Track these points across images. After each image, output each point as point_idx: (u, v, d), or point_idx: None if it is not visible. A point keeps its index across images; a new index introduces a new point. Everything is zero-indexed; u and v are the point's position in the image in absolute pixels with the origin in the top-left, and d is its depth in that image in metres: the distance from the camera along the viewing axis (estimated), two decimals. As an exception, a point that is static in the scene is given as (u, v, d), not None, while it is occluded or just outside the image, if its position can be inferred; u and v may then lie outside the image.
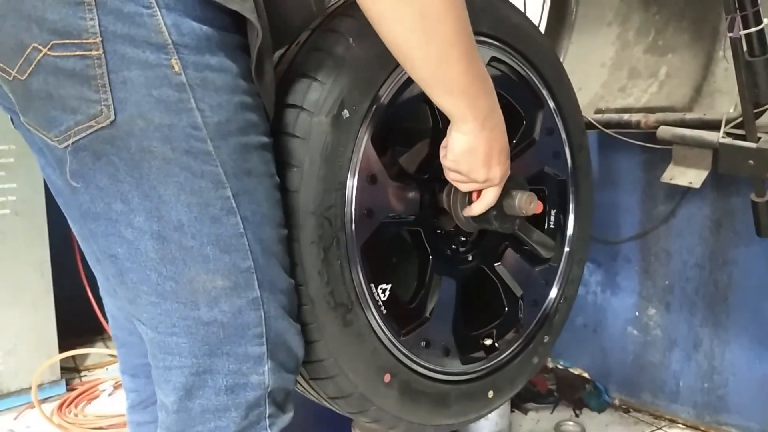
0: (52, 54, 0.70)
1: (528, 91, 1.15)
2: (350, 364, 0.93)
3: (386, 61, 0.89)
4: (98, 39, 0.69)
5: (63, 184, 0.78)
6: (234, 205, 0.77)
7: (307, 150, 0.87)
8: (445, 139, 0.92)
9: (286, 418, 0.86)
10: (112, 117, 0.71)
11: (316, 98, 0.88)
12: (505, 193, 0.99)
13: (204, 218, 0.76)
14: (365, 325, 0.94)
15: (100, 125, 0.71)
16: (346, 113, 0.89)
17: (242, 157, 0.77)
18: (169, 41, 0.71)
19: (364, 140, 0.92)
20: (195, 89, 0.73)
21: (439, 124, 1.04)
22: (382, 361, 0.97)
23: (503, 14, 1.11)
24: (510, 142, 1.02)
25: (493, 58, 1.09)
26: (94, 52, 0.70)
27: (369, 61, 0.91)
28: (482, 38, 1.06)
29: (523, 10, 1.32)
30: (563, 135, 1.20)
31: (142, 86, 0.71)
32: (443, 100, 0.85)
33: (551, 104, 1.18)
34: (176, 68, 0.72)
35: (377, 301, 0.96)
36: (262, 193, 0.80)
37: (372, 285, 0.95)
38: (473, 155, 0.89)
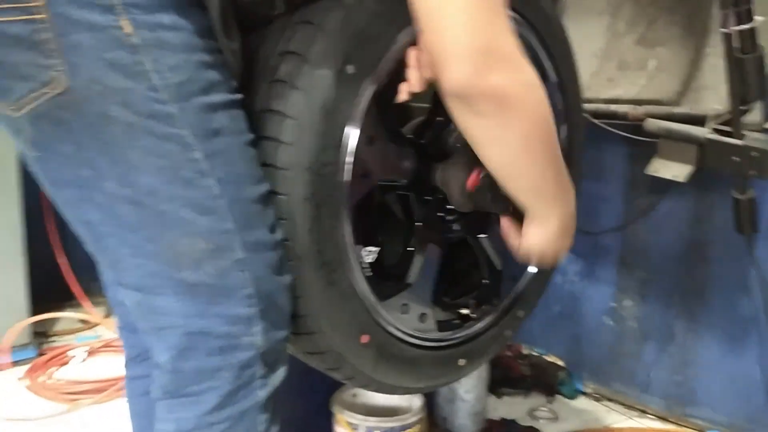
0: None
1: (533, 62, 1.14)
2: (330, 323, 0.93)
3: (397, 18, 0.87)
4: (41, 2, 0.67)
5: (27, 153, 0.77)
6: (205, 167, 0.75)
7: (307, 102, 0.84)
8: (517, 226, 0.96)
9: (277, 378, 0.86)
10: (67, 83, 0.69)
11: (320, 49, 0.85)
12: None
13: (176, 181, 0.74)
14: (349, 286, 0.94)
15: (55, 91, 0.70)
16: (350, 68, 0.86)
17: (208, 117, 0.76)
18: (117, 1, 0.69)
19: (367, 99, 0.90)
20: (150, 50, 0.71)
21: None
22: (361, 322, 0.97)
23: None
24: None
25: None
26: (38, 16, 0.67)
27: (380, 16, 0.88)
28: None
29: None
30: (563, 112, 1.20)
31: (93, 50, 0.69)
32: (529, 200, 0.91)
33: (554, 79, 1.17)
34: (127, 29, 0.70)
35: (362, 263, 0.96)
36: (235, 151, 0.79)
37: (359, 246, 0.95)
38: (546, 250, 0.95)
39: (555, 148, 0.86)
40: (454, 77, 0.75)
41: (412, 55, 0.91)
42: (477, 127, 0.80)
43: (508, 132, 0.79)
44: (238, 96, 0.82)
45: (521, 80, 0.78)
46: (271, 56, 0.87)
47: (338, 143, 0.88)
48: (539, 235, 0.93)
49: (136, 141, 0.72)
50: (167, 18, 0.73)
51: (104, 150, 0.72)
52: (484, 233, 1.17)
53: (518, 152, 0.82)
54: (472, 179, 0.98)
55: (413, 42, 0.91)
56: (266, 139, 0.85)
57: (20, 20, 0.68)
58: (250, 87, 0.88)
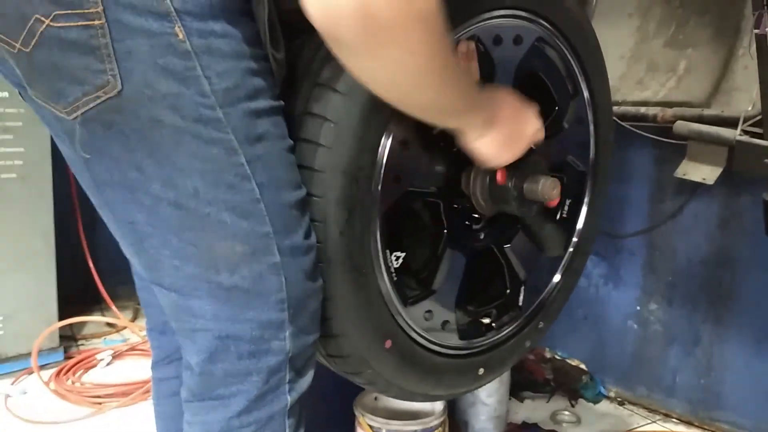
0: (55, 25, 0.69)
1: (567, 77, 1.14)
2: (355, 327, 0.92)
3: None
4: (100, 8, 0.69)
5: (75, 155, 0.78)
6: (248, 171, 0.77)
7: (346, 106, 0.84)
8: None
9: (305, 382, 0.87)
10: (119, 87, 0.71)
11: None
12: (529, 177, 0.99)
13: (219, 185, 0.76)
14: (375, 290, 0.94)
15: (108, 95, 0.71)
16: None
17: (253, 122, 0.77)
18: (172, 9, 0.71)
19: None
20: (200, 56, 0.73)
21: None
22: (386, 327, 0.96)
23: None
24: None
25: (539, 39, 1.07)
26: (96, 22, 0.69)
27: None
28: (532, 16, 1.04)
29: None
30: (591, 127, 1.19)
31: (147, 55, 0.71)
32: (447, 124, 0.88)
33: (586, 94, 1.16)
34: (180, 36, 0.71)
35: (390, 268, 0.95)
36: (276, 157, 0.80)
37: (387, 251, 0.94)
38: (501, 152, 0.92)
39: (452, 71, 0.77)
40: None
41: None
42: (354, 68, 0.72)
43: (386, 70, 0.71)
44: (281, 103, 0.83)
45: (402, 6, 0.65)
46: (314, 60, 0.87)
47: (374, 148, 0.88)
48: (482, 146, 0.90)
49: (183, 144, 0.74)
50: (218, 26, 0.74)
51: (151, 153, 0.74)
52: (509, 243, 1.16)
53: (409, 88, 0.74)
54: (501, 174, 0.99)
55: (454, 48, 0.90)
56: (304, 141, 0.86)
57: (78, 26, 0.69)
58: (292, 90, 0.88)
